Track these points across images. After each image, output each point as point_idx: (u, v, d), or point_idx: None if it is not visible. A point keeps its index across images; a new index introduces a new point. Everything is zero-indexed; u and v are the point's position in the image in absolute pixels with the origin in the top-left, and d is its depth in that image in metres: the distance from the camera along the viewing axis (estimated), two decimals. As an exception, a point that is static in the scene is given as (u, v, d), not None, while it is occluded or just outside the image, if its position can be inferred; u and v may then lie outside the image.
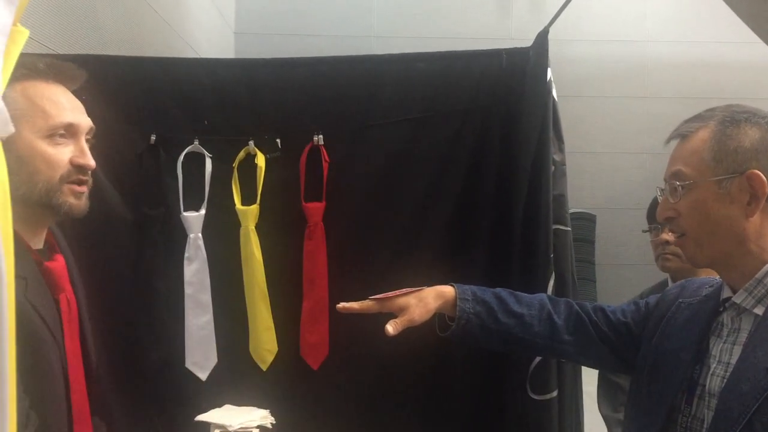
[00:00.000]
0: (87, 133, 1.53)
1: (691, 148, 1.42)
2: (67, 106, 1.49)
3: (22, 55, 1.38)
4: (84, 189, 1.51)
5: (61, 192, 1.46)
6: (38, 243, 1.50)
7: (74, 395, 1.51)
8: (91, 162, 1.51)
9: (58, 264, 1.52)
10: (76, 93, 1.56)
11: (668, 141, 1.50)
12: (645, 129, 5.37)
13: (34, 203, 1.44)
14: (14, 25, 0.72)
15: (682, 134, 1.46)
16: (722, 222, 1.37)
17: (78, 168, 1.48)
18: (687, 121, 1.47)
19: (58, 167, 1.45)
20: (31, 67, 1.47)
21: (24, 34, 0.75)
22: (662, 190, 1.49)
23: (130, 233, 2.38)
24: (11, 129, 0.71)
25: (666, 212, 1.46)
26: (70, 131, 1.48)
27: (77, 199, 1.49)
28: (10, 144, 1.34)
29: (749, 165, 1.35)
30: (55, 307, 1.48)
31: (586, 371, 2.36)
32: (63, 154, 1.47)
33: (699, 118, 1.45)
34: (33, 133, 1.43)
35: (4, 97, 1.33)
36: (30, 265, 1.44)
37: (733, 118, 1.40)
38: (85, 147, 1.51)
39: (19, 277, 1.36)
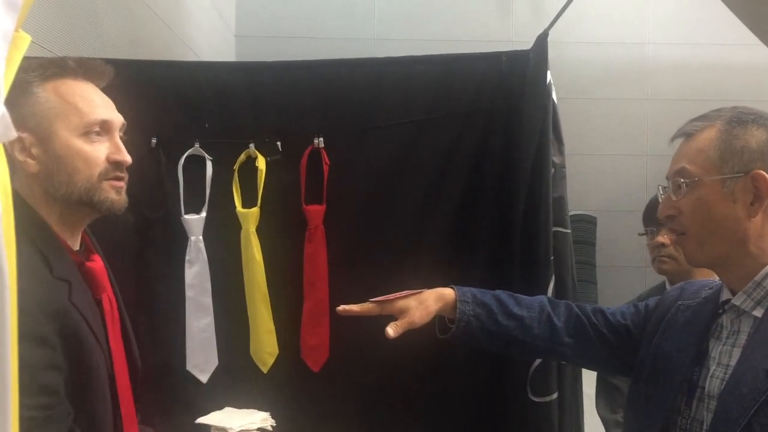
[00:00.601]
0: (119, 130, 1.53)
1: (696, 146, 1.42)
2: (99, 103, 1.49)
3: (28, 59, 1.40)
4: (122, 184, 1.51)
5: (101, 189, 1.46)
6: (75, 244, 1.50)
7: (121, 396, 1.51)
8: (128, 157, 1.51)
9: (98, 264, 1.51)
10: None
11: (673, 139, 1.50)
12: (646, 131, 5.35)
13: (74, 202, 1.44)
14: (16, 30, 0.73)
15: (687, 133, 1.46)
16: (724, 221, 1.37)
17: (115, 164, 1.48)
18: (693, 121, 1.46)
19: (96, 165, 1.45)
20: (61, 65, 1.46)
21: (26, 39, 0.75)
22: (664, 188, 1.48)
23: (131, 236, 2.39)
24: (13, 134, 0.72)
25: (667, 210, 1.46)
26: (104, 128, 1.48)
27: (117, 195, 1.49)
28: (47, 144, 1.38)
29: (754, 165, 1.35)
30: (98, 308, 1.47)
31: (587, 373, 2.36)
32: (100, 151, 1.46)
33: (705, 118, 1.45)
34: (69, 132, 1.42)
35: (37, 97, 1.36)
36: (71, 267, 1.43)
37: (740, 119, 1.40)
38: (120, 143, 1.51)
39: (62, 280, 1.37)
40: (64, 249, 1.44)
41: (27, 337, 1.22)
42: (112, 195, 1.48)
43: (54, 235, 1.42)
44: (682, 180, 1.41)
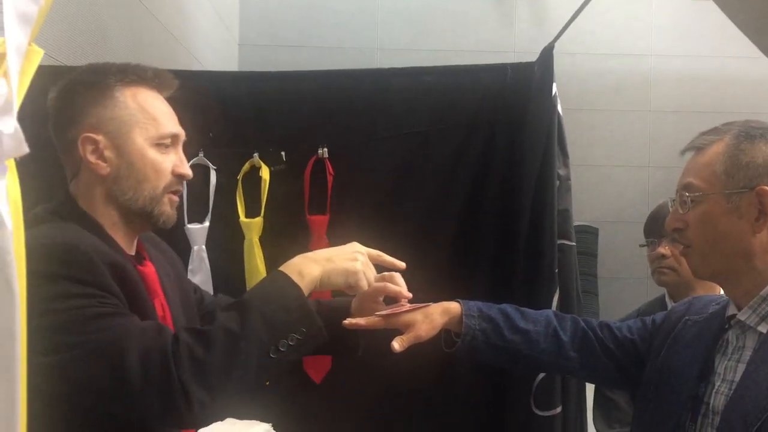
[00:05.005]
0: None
1: (704, 160, 1.42)
2: (171, 117, 1.51)
3: (107, 64, 1.45)
4: (177, 199, 1.53)
5: (162, 201, 1.47)
6: (130, 249, 1.50)
7: None
8: (190, 172, 1.53)
9: (149, 269, 1.51)
10: None
11: (683, 152, 1.50)
12: (648, 142, 5.34)
13: (134, 211, 1.44)
14: (29, 44, 0.74)
15: (697, 147, 1.46)
16: (729, 236, 1.37)
17: (178, 177, 1.50)
18: (703, 134, 1.47)
19: (164, 176, 1.46)
20: (140, 73, 1.48)
21: (39, 53, 0.76)
22: (673, 200, 1.49)
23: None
24: (26, 149, 0.73)
25: (674, 223, 1.46)
26: (173, 140, 1.50)
27: (172, 209, 1.51)
28: (121, 149, 1.42)
29: (760, 181, 1.35)
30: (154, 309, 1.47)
31: (591, 387, 2.35)
32: (168, 162, 1.47)
33: (715, 132, 1.45)
34: (145, 140, 1.43)
35: (117, 101, 1.40)
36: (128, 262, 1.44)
37: (748, 134, 1.40)
38: (184, 157, 1.53)
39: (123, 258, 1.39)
40: (120, 247, 1.45)
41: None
42: (168, 209, 1.49)
43: (108, 234, 1.43)
44: (687, 194, 1.41)
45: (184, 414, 1.20)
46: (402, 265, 1.65)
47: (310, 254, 1.47)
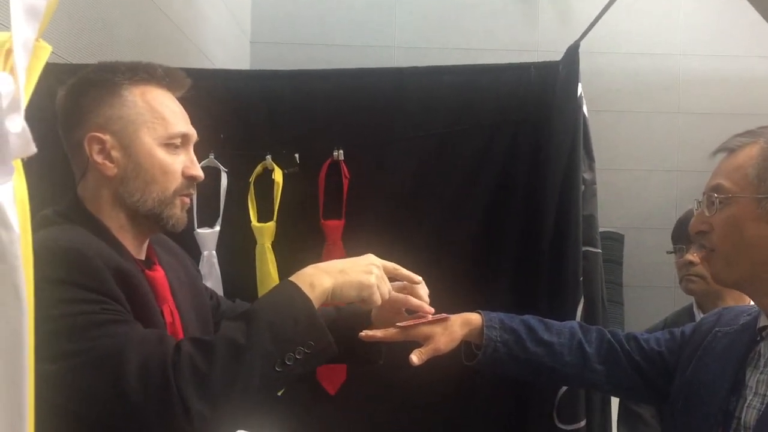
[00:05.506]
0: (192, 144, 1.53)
1: (736, 163, 1.39)
2: (182, 116, 1.48)
3: (118, 63, 1.43)
4: (189, 201, 1.50)
5: (172, 204, 1.44)
6: (140, 254, 1.47)
7: None
8: (201, 173, 1.49)
9: (158, 274, 1.48)
10: None
11: (714, 154, 1.47)
12: (676, 145, 5.28)
13: (142, 213, 1.42)
14: (37, 39, 0.73)
15: (729, 148, 1.43)
16: (755, 242, 1.34)
17: (189, 179, 1.46)
18: (737, 136, 1.43)
19: (174, 178, 1.43)
20: (150, 71, 1.45)
21: (46, 49, 0.75)
22: (699, 203, 1.46)
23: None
24: (33, 149, 0.72)
25: (699, 225, 1.43)
26: (183, 141, 1.46)
27: (182, 212, 1.47)
28: (128, 149, 1.39)
29: None
30: (161, 316, 1.44)
31: (616, 400, 2.30)
32: (178, 164, 1.44)
33: (749, 134, 1.42)
34: (153, 140, 1.41)
35: (125, 100, 1.42)
36: (135, 267, 1.41)
37: None
38: (195, 158, 1.49)
39: (129, 263, 1.36)
40: (128, 251, 1.42)
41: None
42: (178, 212, 1.46)
43: (116, 238, 1.40)
44: (716, 196, 1.38)
45: (183, 427, 1.17)
46: (419, 279, 1.60)
47: (322, 265, 1.42)
